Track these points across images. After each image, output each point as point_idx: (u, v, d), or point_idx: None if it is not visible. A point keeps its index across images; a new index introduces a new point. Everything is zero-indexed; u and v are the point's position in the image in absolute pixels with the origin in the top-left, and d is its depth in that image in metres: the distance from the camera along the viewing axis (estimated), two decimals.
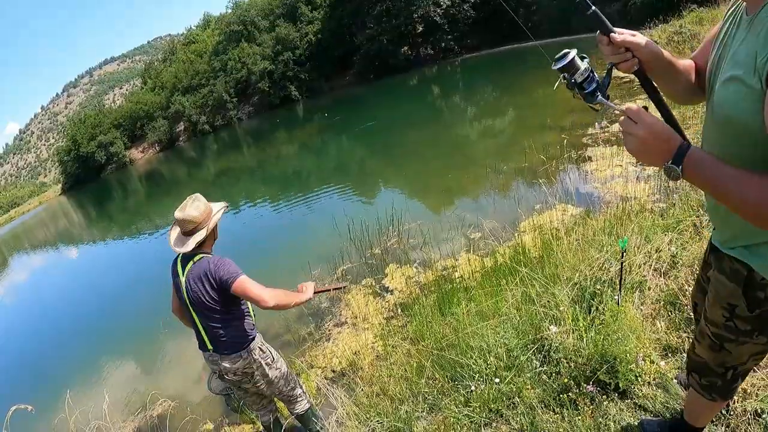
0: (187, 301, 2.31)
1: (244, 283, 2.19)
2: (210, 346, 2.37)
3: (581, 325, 2.34)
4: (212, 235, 2.38)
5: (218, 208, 2.39)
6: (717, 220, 1.30)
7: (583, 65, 1.05)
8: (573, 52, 1.05)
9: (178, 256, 2.38)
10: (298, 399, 2.74)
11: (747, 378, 1.93)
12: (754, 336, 1.26)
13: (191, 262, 2.29)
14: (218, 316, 2.29)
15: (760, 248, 1.17)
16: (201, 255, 2.31)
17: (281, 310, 2.36)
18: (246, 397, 2.66)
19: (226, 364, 2.37)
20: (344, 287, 2.80)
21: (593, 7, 1.03)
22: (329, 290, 2.62)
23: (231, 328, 2.33)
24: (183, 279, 2.30)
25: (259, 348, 2.44)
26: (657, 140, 0.95)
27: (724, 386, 1.43)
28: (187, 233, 2.28)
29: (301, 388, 2.78)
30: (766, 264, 1.16)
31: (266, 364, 2.48)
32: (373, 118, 19.99)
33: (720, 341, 1.33)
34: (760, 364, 2.00)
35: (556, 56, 1.07)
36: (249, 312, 2.45)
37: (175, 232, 2.36)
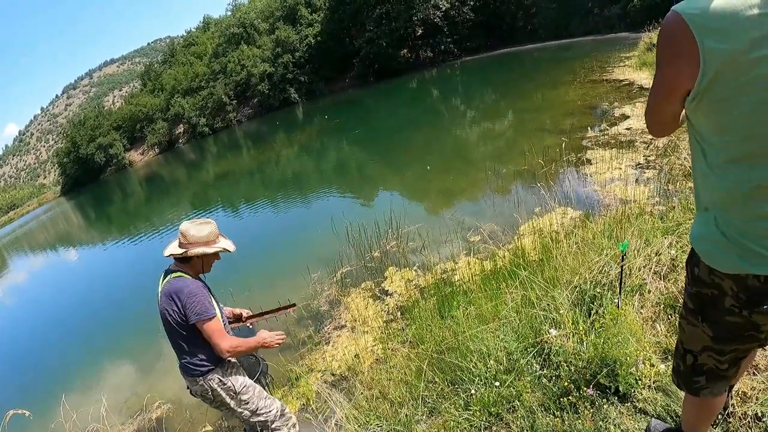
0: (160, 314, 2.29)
1: (212, 328, 2.20)
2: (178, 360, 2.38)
3: (581, 328, 2.34)
4: (200, 263, 2.34)
5: (227, 244, 2.37)
6: None
7: None
8: None
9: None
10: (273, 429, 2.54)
11: (747, 381, 1.93)
12: (699, 320, 1.32)
13: (170, 276, 2.27)
14: (178, 339, 2.26)
15: (696, 217, 1.26)
16: (180, 274, 2.27)
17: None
18: None
19: (185, 383, 2.39)
20: (290, 308, 2.81)
21: None
22: (265, 315, 2.61)
23: (189, 354, 2.27)
24: (159, 290, 2.29)
25: (219, 379, 2.32)
26: None
27: (686, 374, 1.46)
28: (180, 245, 2.29)
29: (281, 418, 2.56)
30: (694, 233, 1.25)
31: (227, 395, 2.36)
32: (361, 125, 20.11)
33: (680, 317, 1.43)
34: (760, 366, 2.00)
35: None
36: None
37: (175, 240, 2.36)
